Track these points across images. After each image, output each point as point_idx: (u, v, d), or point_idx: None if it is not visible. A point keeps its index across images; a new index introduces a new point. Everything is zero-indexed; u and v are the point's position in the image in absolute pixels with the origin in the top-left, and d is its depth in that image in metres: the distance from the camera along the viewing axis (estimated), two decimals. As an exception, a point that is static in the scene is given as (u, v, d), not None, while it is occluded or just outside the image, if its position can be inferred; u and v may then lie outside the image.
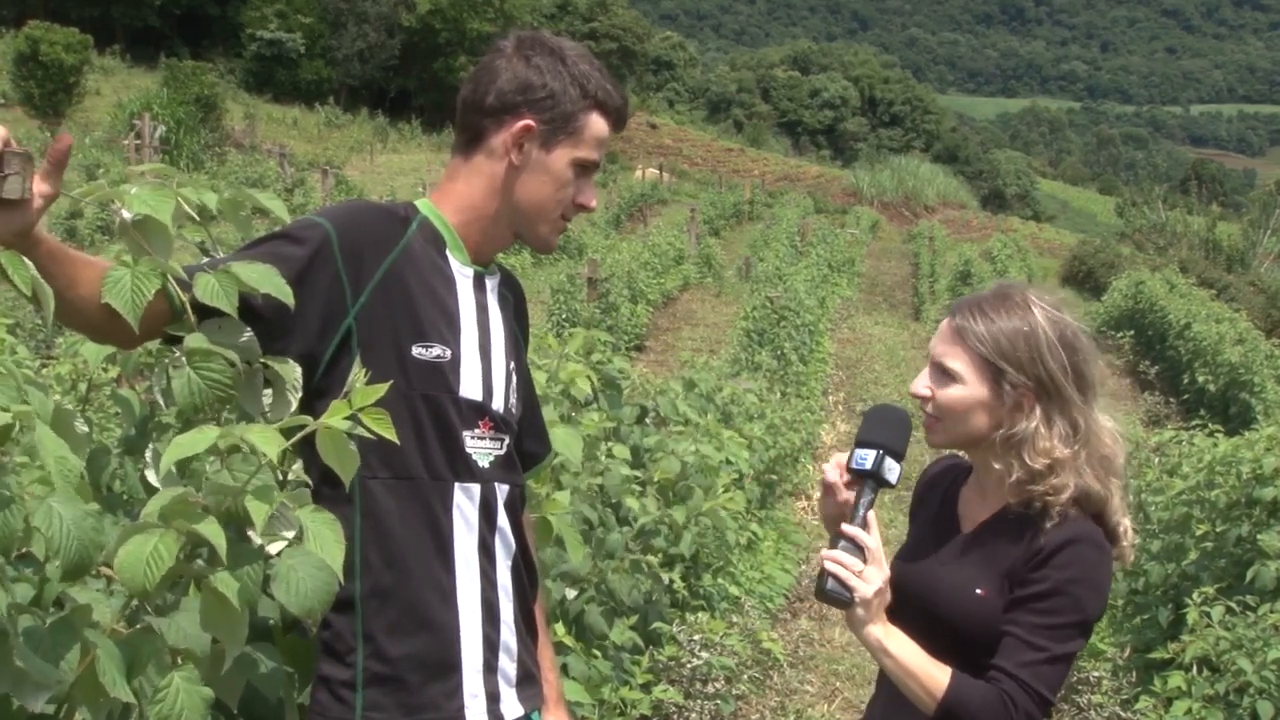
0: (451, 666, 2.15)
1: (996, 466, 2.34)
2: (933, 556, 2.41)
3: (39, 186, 1.77)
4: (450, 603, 2.15)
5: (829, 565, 2.24)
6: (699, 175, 55.33)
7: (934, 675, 2.25)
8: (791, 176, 60.74)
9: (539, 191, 2.22)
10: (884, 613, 2.27)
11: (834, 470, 2.34)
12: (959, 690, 2.23)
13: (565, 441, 3.96)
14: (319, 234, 2.10)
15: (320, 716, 2.11)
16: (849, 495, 2.32)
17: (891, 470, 2.31)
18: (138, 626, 1.72)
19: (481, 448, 2.20)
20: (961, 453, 2.58)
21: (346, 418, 1.75)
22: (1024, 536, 2.30)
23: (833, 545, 2.27)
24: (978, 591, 2.29)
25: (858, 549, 2.25)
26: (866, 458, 2.31)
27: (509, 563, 2.25)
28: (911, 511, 2.65)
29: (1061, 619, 2.24)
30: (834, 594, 2.25)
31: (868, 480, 2.31)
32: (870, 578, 2.23)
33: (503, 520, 2.24)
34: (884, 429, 2.34)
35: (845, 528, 2.27)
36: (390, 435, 1.77)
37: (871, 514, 2.29)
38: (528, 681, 2.28)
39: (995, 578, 2.30)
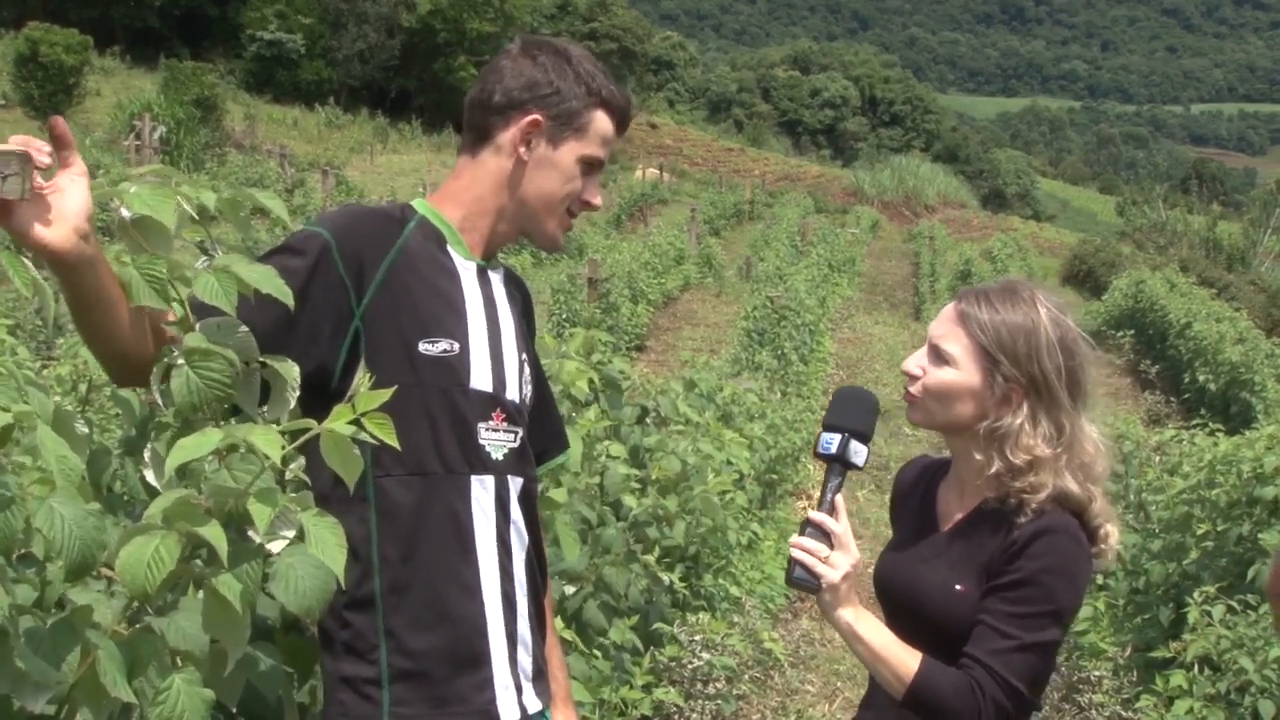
0: (480, 659, 2.16)
1: (977, 457, 2.35)
2: (914, 555, 2.42)
3: (67, 172, 1.76)
4: (475, 595, 2.16)
5: (795, 553, 2.26)
6: (699, 175, 55.29)
7: (904, 659, 2.26)
8: (792, 176, 60.70)
9: (546, 186, 2.25)
10: (855, 597, 2.28)
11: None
12: (928, 675, 2.24)
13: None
14: (318, 242, 2.12)
15: (345, 717, 2.11)
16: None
17: (857, 453, 2.32)
18: (137, 627, 1.72)
19: (495, 440, 2.21)
20: (938, 452, 2.59)
21: (350, 422, 1.75)
22: (1000, 530, 2.32)
23: (801, 532, 2.28)
24: (958, 588, 2.30)
25: (825, 535, 2.27)
26: (832, 442, 2.32)
27: (523, 556, 2.26)
28: (891, 513, 2.66)
29: (1033, 608, 2.24)
30: (801, 581, 2.27)
31: (834, 464, 2.32)
32: (837, 563, 2.25)
33: (516, 513, 2.25)
34: (849, 412, 2.35)
35: (811, 514, 2.28)
36: (392, 441, 1.77)
37: (839, 498, 2.30)
38: (540, 677, 2.30)
39: (974, 573, 2.31)
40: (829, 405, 2.39)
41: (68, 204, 1.76)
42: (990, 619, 2.25)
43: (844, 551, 2.26)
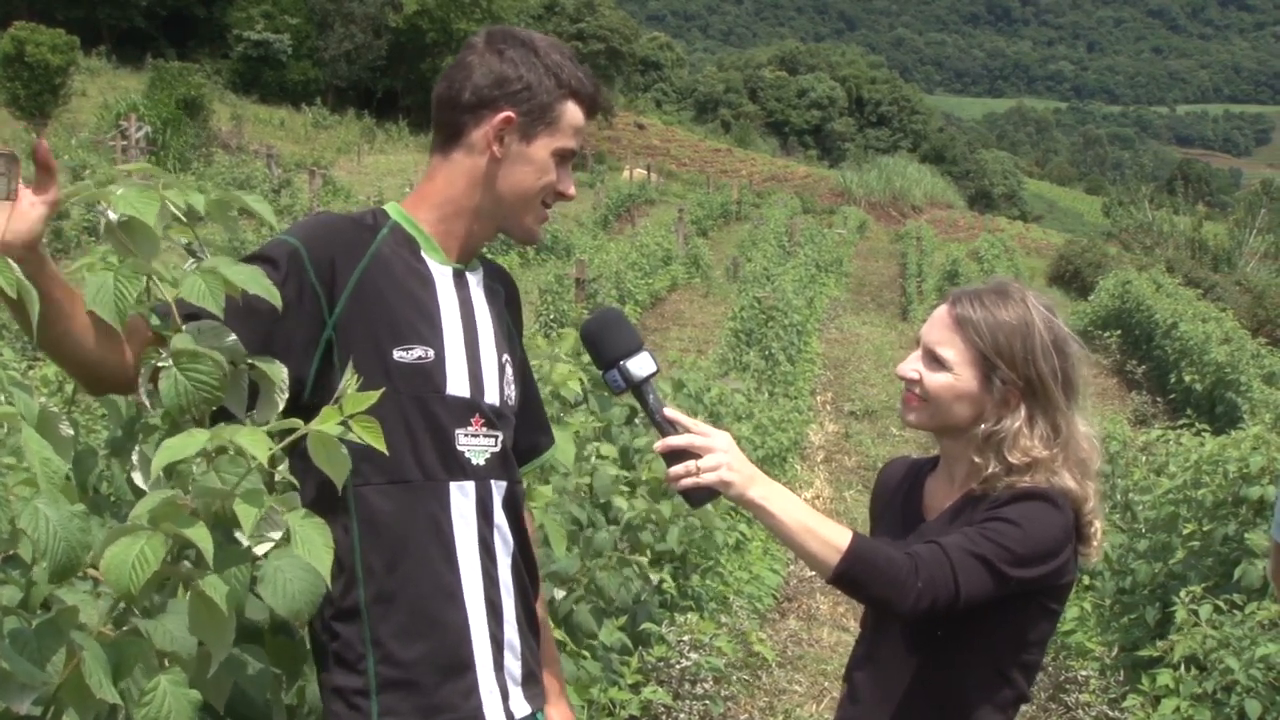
0: (465, 665, 2.15)
1: (976, 460, 2.36)
2: (900, 545, 2.41)
3: (36, 195, 1.78)
4: (458, 601, 2.16)
5: (677, 486, 2.20)
6: (687, 175, 55.27)
7: (835, 527, 2.20)
8: (779, 177, 60.70)
9: (522, 182, 2.23)
10: (755, 472, 2.21)
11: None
12: (863, 545, 2.19)
13: (557, 443, 3.96)
14: (288, 251, 2.11)
15: None
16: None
17: (641, 367, 2.26)
18: (124, 629, 1.71)
19: (475, 445, 2.20)
20: (926, 453, 2.59)
21: (338, 424, 1.74)
22: (981, 506, 2.34)
23: (670, 464, 2.21)
24: None
25: (683, 451, 2.20)
26: (616, 379, 2.26)
27: (509, 560, 2.25)
28: (872, 510, 2.66)
29: (1001, 539, 2.24)
30: (701, 500, 2.22)
31: (634, 391, 2.27)
32: (710, 463, 2.17)
33: (500, 518, 2.24)
34: (607, 344, 2.28)
35: (658, 445, 2.23)
36: (380, 445, 1.77)
37: (668, 409, 2.25)
38: (531, 680, 2.29)
39: None
40: (589, 350, 2.32)
41: (21, 218, 1.78)
42: (960, 531, 2.27)
43: (709, 449, 2.18)
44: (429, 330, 2.18)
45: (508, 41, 2.24)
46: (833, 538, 2.18)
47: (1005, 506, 2.29)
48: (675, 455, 2.21)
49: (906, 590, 2.17)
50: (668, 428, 2.23)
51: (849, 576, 2.17)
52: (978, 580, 2.21)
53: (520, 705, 2.23)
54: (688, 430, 2.21)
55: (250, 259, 2.11)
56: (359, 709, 2.10)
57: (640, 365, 2.26)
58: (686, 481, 2.18)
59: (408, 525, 2.12)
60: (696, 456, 2.19)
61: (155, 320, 1.98)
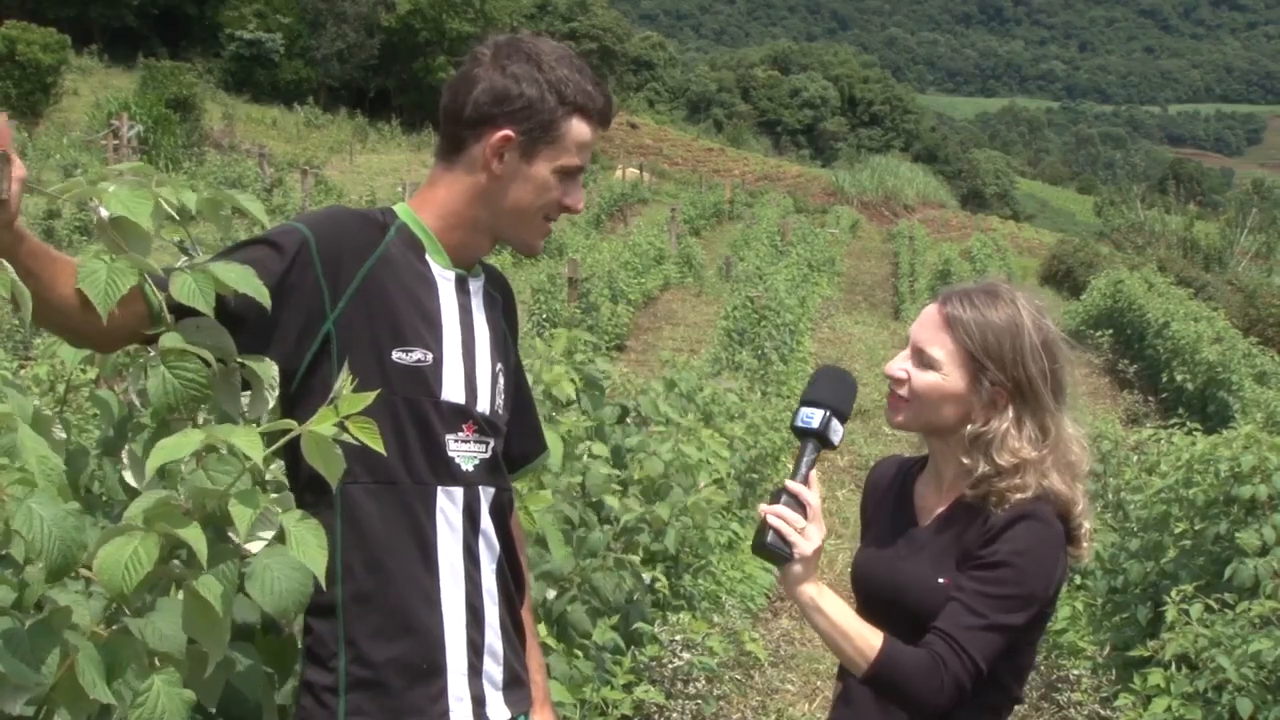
0: (436, 670, 2.14)
1: (964, 461, 2.36)
2: (892, 552, 2.42)
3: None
4: (434, 606, 2.15)
5: (771, 520, 2.24)
6: (679, 175, 55.25)
7: (867, 637, 2.26)
8: (772, 176, 60.65)
9: (521, 200, 2.21)
10: (816, 571, 2.28)
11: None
12: (892, 652, 2.24)
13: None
14: (298, 240, 2.09)
15: None
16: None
17: (836, 431, 2.32)
18: (114, 628, 1.71)
19: (465, 451, 2.19)
20: (917, 452, 2.59)
21: (333, 424, 1.74)
22: (978, 518, 2.33)
23: (775, 499, 2.26)
24: (940, 581, 2.31)
25: (800, 505, 2.25)
26: (813, 417, 2.32)
27: (493, 566, 2.25)
28: (864, 511, 2.66)
29: (1003, 590, 2.25)
30: (774, 548, 2.25)
31: (811, 439, 2.32)
32: (811, 535, 2.24)
33: (487, 524, 2.23)
34: (832, 390, 2.35)
35: (789, 484, 2.26)
36: (377, 445, 1.77)
37: (814, 473, 2.30)
38: (515, 685, 2.28)
39: (954, 564, 2.32)
40: (812, 380, 2.39)
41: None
42: (962, 596, 2.27)
43: (817, 524, 2.25)
44: (429, 334, 2.17)
45: (513, 56, 2.19)
46: (863, 647, 2.26)
47: (995, 543, 2.29)
48: (791, 502, 2.27)
49: (937, 692, 2.23)
50: (803, 481, 2.28)
51: (880, 679, 2.25)
52: (992, 647, 2.26)
53: (500, 710, 2.23)
54: (811, 504, 2.27)
55: (257, 240, 2.11)
56: (327, 706, 2.10)
57: (838, 431, 2.33)
58: (783, 526, 2.24)
59: (390, 527, 2.12)
60: (805, 517, 2.26)
61: (154, 299, 1.96)
